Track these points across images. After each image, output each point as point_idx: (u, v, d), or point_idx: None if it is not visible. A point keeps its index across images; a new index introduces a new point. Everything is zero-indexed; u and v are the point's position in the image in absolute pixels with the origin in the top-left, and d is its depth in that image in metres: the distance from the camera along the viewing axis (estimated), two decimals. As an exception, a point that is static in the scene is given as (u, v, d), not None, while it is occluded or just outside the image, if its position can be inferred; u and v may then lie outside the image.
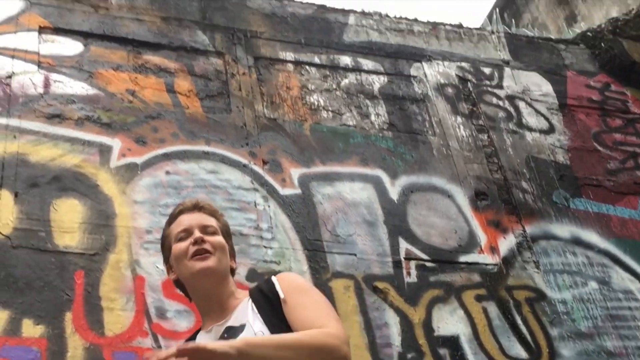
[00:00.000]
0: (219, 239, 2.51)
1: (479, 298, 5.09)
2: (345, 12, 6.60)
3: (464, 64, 6.71)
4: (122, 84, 5.23)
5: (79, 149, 4.78)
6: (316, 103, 5.80)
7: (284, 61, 5.97)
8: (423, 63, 6.52)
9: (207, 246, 2.44)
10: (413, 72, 6.42)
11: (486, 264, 5.29)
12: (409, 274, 5.04)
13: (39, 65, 5.09)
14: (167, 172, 4.90)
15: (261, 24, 6.15)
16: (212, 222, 2.55)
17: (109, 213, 4.55)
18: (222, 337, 2.35)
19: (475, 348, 4.83)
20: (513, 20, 8.18)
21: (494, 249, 5.39)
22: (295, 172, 5.27)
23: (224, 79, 5.61)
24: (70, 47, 5.29)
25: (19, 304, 4.01)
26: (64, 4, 5.51)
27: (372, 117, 5.91)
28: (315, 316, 2.26)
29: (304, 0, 6.50)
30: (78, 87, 5.08)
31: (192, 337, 2.55)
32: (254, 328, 2.28)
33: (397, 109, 6.07)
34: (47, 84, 5.02)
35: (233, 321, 2.38)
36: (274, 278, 2.46)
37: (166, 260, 2.57)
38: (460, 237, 5.40)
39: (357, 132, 5.75)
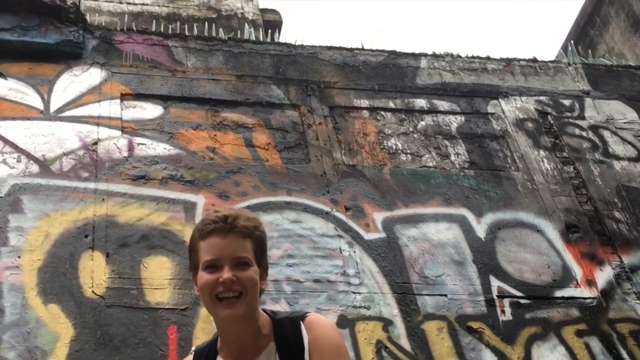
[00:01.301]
0: (251, 274, 2.26)
1: (579, 333, 4.88)
2: (417, 56, 6.61)
3: (542, 98, 6.60)
4: (203, 142, 5.35)
5: (165, 207, 4.88)
6: (394, 147, 5.79)
7: (359, 108, 6.00)
8: (500, 100, 6.44)
9: (236, 287, 2.22)
10: (490, 109, 6.34)
11: (584, 298, 5.09)
12: (503, 312, 4.89)
13: (123, 130, 5.26)
14: (251, 225, 4.92)
15: (334, 74, 6.21)
16: (246, 247, 2.28)
17: (197, 268, 4.59)
18: None
19: (580, 385, 4.63)
20: (589, 52, 8.00)
21: (590, 282, 5.19)
22: (379, 216, 5.24)
23: (301, 130, 5.67)
24: (151, 110, 5.46)
25: (116, 362, 4.06)
26: (143, 70, 5.71)
27: (452, 157, 5.85)
28: None
29: (374, 47, 6.56)
30: (160, 148, 5.22)
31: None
32: None
33: (476, 147, 5.99)
34: (131, 147, 5.18)
35: None
36: (302, 328, 2.30)
37: (192, 270, 2.35)
38: (554, 271, 5.22)
39: (438, 172, 5.69)
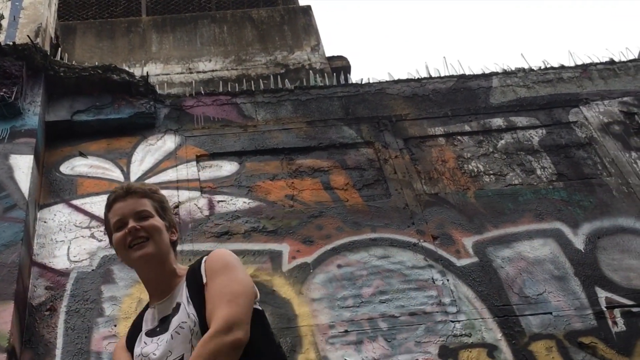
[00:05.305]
0: (153, 222, 2.53)
1: None
2: (487, 76, 6.47)
3: (626, 99, 6.31)
4: (281, 191, 5.34)
5: (251, 259, 4.87)
6: (475, 170, 5.63)
7: (434, 136, 5.89)
8: (581, 107, 6.20)
9: (142, 233, 2.49)
10: (572, 118, 6.11)
11: (703, 298, 4.74)
12: (615, 323, 4.60)
13: (202, 190, 5.33)
14: (339, 266, 4.86)
15: (404, 106, 6.14)
16: (145, 204, 2.57)
17: (289, 315, 4.55)
18: (160, 322, 2.45)
19: None
20: (670, 46, 7.65)
21: None
22: (469, 241, 5.07)
23: (378, 166, 5.60)
24: (227, 167, 5.52)
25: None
26: (215, 130, 5.80)
27: (538, 172, 5.63)
28: (212, 306, 2.29)
29: (442, 74, 6.46)
30: (240, 203, 5.24)
31: (141, 314, 2.61)
32: (187, 309, 2.35)
33: (562, 158, 5.75)
34: (211, 205, 5.22)
35: (171, 302, 2.46)
36: (203, 259, 2.48)
37: (111, 243, 2.60)
38: (666, 274, 4.89)
39: (525, 189, 5.48)
